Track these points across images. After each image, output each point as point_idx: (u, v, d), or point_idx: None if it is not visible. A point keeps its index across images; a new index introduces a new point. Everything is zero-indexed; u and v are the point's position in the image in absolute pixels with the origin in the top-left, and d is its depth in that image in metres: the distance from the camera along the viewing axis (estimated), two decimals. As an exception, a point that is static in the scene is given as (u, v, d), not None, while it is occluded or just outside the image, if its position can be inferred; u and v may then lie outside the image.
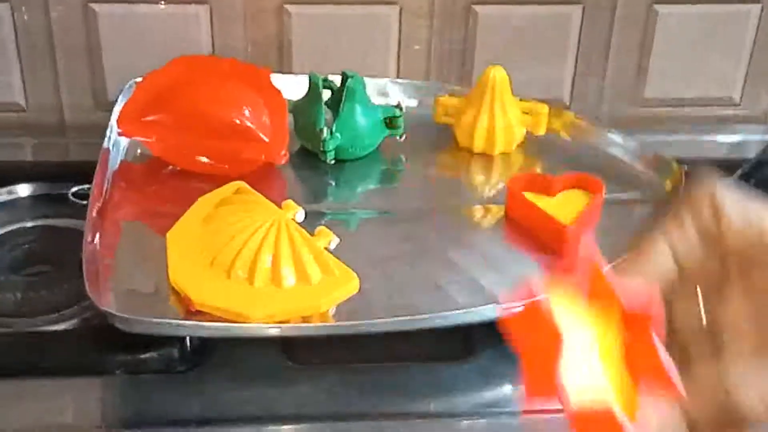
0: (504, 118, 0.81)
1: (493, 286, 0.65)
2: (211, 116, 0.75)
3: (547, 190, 0.73)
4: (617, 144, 0.83)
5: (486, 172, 0.82)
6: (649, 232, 0.41)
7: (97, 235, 0.68)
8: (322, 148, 0.78)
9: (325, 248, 0.65)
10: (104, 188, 0.73)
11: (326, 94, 0.79)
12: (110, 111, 0.79)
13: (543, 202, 0.72)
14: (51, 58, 0.88)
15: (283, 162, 0.76)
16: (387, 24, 0.90)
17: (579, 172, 0.74)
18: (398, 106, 0.81)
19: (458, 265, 0.67)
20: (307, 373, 0.64)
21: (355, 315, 0.62)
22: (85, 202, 0.70)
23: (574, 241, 0.69)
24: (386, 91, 0.87)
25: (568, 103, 0.95)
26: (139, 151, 0.79)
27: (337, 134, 0.78)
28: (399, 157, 0.83)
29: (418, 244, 0.71)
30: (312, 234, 0.65)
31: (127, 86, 0.80)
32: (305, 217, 0.66)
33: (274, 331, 0.61)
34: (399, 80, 0.88)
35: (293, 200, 0.67)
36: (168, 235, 0.66)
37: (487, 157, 0.82)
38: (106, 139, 0.76)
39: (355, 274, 0.63)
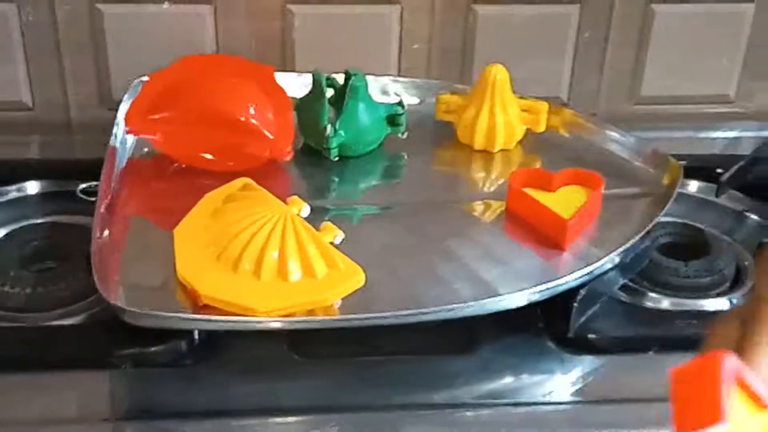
0: (504, 116, 0.82)
1: (495, 279, 0.66)
2: (216, 113, 0.76)
3: (548, 186, 0.74)
4: (615, 140, 0.84)
5: (486, 169, 0.83)
6: None
7: (106, 231, 0.69)
8: (325, 145, 0.79)
9: (331, 243, 0.66)
10: (112, 185, 0.74)
11: (329, 92, 0.81)
12: (116, 109, 0.80)
13: (543, 198, 0.73)
14: (57, 57, 0.89)
15: (287, 159, 0.77)
16: (388, 22, 0.91)
17: (578, 168, 0.76)
18: (400, 104, 0.82)
19: (461, 259, 0.69)
20: (312, 366, 0.65)
21: (360, 308, 0.63)
22: (92, 199, 0.71)
23: (574, 235, 0.71)
24: (388, 89, 0.88)
25: (566, 101, 0.96)
26: (145, 149, 0.80)
27: (341, 131, 0.79)
28: (401, 153, 0.84)
29: (421, 238, 0.72)
30: (317, 229, 0.66)
31: (133, 84, 0.81)
32: (310, 214, 0.67)
33: (280, 325, 0.63)
34: (400, 78, 0.89)
35: (298, 196, 0.68)
36: (175, 230, 0.67)
37: (487, 154, 0.83)
38: (113, 136, 0.77)
39: (360, 268, 0.64)
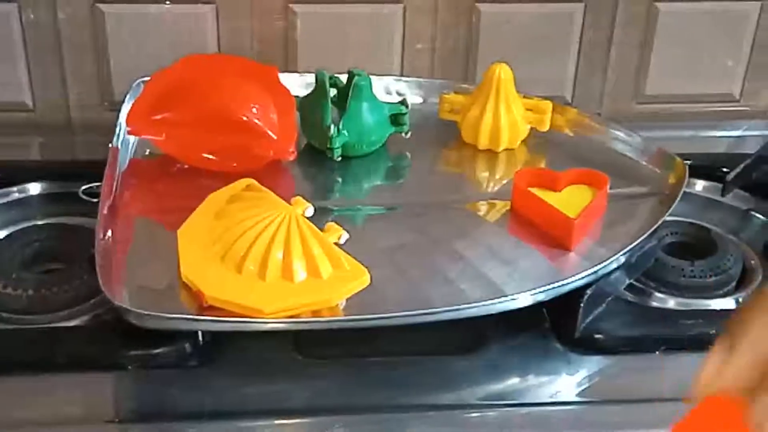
0: (509, 115, 0.82)
1: (501, 279, 0.66)
2: (219, 114, 0.76)
3: (553, 185, 0.74)
4: (620, 140, 0.83)
5: (491, 168, 0.82)
6: None
7: (109, 232, 0.68)
8: (329, 145, 0.79)
9: (335, 243, 0.65)
10: (114, 186, 0.73)
11: (332, 92, 0.80)
12: (117, 110, 0.80)
13: (549, 197, 0.73)
14: (58, 58, 0.89)
15: (291, 159, 0.77)
16: (392, 22, 0.91)
17: (584, 168, 0.75)
18: (404, 103, 0.82)
19: (466, 259, 0.68)
20: (318, 367, 0.65)
21: (365, 309, 0.63)
22: (95, 200, 0.70)
23: (580, 234, 0.70)
24: (391, 88, 0.88)
25: (570, 100, 0.96)
26: (148, 149, 0.80)
27: (344, 131, 0.79)
28: (405, 153, 0.83)
29: (426, 238, 0.71)
30: (321, 230, 0.66)
31: (134, 85, 0.81)
32: (314, 214, 0.67)
33: (285, 326, 0.62)
34: (404, 78, 0.89)
35: (301, 197, 0.68)
36: (179, 231, 0.66)
37: (491, 154, 0.83)
38: (115, 137, 0.77)
39: (365, 269, 0.64)
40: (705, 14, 0.94)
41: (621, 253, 0.68)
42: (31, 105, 0.91)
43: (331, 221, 0.68)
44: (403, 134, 0.82)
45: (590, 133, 0.85)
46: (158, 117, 0.76)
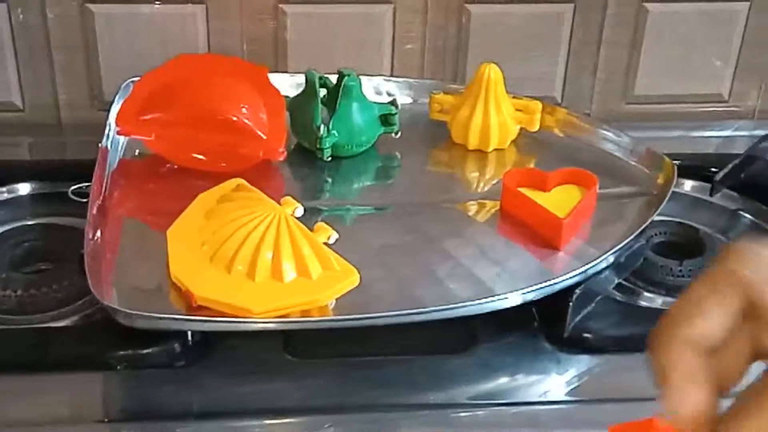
0: (498, 115, 0.82)
1: (491, 279, 0.66)
2: (209, 114, 0.76)
3: (542, 186, 0.74)
4: (610, 140, 0.84)
5: (481, 168, 0.83)
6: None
7: (98, 232, 0.68)
8: (318, 146, 0.79)
9: (325, 243, 0.65)
10: (104, 186, 0.73)
11: (322, 92, 0.80)
12: (107, 110, 0.80)
13: (538, 197, 0.73)
14: (48, 58, 0.89)
15: (280, 159, 0.77)
16: (381, 22, 0.91)
17: (573, 168, 0.75)
18: (393, 103, 0.82)
19: (456, 259, 0.68)
20: (308, 367, 0.65)
21: (355, 309, 0.63)
22: (84, 200, 0.70)
23: (569, 234, 0.70)
24: (381, 88, 0.88)
25: (560, 100, 0.96)
26: (137, 150, 0.80)
27: (334, 131, 0.79)
28: (395, 153, 0.84)
29: (416, 238, 0.71)
30: (311, 230, 0.66)
31: (124, 85, 0.81)
32: (303, 214, 0.67)
33: (275, 326, 0.62)
34: (394, 78, 0.89)
35: (291, 197, 0.68)
36: (169, 231, 0.66)
37: (481, 154, 0.83)
38: (105, 137, 0.77)
39: (355, 269, 0.64)
40: (694, 14, 0.94)
41: (610, 252, 0.68)
42: (21, 105, 0.91)
43: (321, 221, 0.68)
44: (393, 134, 0.82)
45: (580, 133, 0.85)
46: (148, 117, 0.76)
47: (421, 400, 0.63)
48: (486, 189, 0.80)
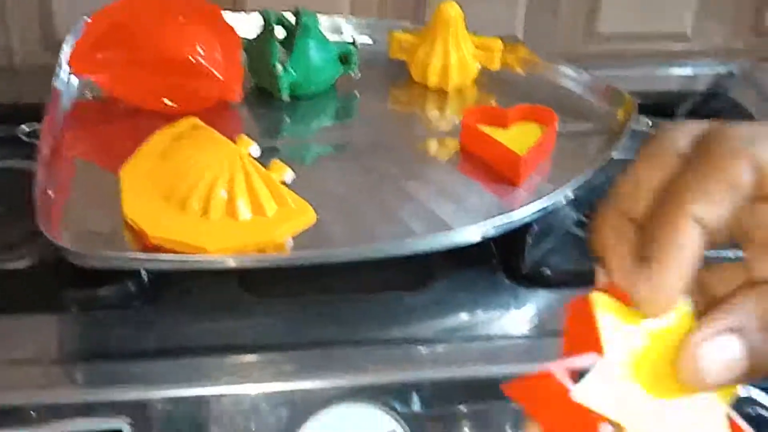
0: (458, 54, 0.81)
1: (449, 215, 0.66)
2: (163, 53, 0.74)
3: (501, 123, 0.74)
4: (570, 77, 0.83)
5: (441, 107, 0.82)
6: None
7: (49, 173, 0.67)
8: (276, 85, 0.77)
9: (282, 182, 0.65)
10: (56, 127, 0.72)
11: (279, 32, 0.79)
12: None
13: (497, 134, 0.72)
14: (-1, 0, 0.87)
15: (237, 99, 0.76)
16: (340, -39, 0.89)
17: (532, 104, 0.75)
18: (353, 43, 0.81)
19: (415, 196, 0.68)
20: (264, 305, 0.64)
21: (311, 246, 0.62)
22: (36, 140, 0.69)
23: (528, 171, 0.70)
24: (340, 27, 0.86)
25: (521, 39, 0.95)
26: (92, 92, 0.78)
27: (291, 71, 0.77)
28: (354, 93, 0.83)
29: (375, 177, 0.71)
30: (267, 168, 0.65)
31: (76, 25, 0.79)
32: (261, 154, 0.66)
33: (230, 263, 0.61)
34: (352, 17, 0.87)
35: (247, 136, 0.67)
36: (122, 170, 0.65)
37: (441, 93, 0.82)
38: (56, 78, 0.75)
39: (310, 206, 0.63)
40: (656, -48, 0.94)
41: (567, 187, 0.68)
42: (-28, 49, 0.89)
43: (278, 160, 0.67)
44: (352, 74, 0.81)
45: (540, 71, 0.85)
46: (100, 56, 0.75)
47: (380, 336, 0.63)
48: (446, 127, 0.80)
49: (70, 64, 0.75)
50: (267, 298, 0.65)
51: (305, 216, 0.63)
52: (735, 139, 0.33)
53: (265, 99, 0.79)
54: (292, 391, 0.58)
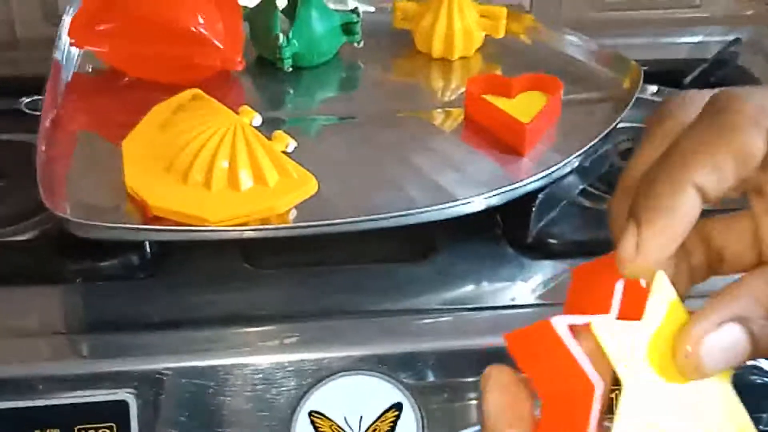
0: (463, 22, 0.80)
1: (454, 185, 0.65)
2: (164, 23, 0.73)
3: (506, 92, 0.73)
4: (576, 45, 0.82)
5: (445, 77, 0.81)
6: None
7: (51, 145, 0.67)
8: (278, 55, 0.77)
9: (284, 152, 0.64)
10: (57, 99, 0.72)
11: (281, 1, 0.78)
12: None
13: (502, 104, 0.71)
14: (-1, -29, 0.86)
15: (239, 68, 0.75)
16: (342, -71, 0.88)
17: (537, 73, 0.74)
18: (355, 12, 0.80)
19: (419, 167, 0.67)
20: (267, 276, 0.64)
21: (314, 217, 0.61)
22: (38, 113, 0.69)
23: (533, 140, 0.69)
24: (343, -3, 0.86)
25: (528, 8, 0.94)
26: (93, 63, 0.78)
27: (294, 41, 0.77)
28: (357, 63, 0.82)
29: (378, 147, 0.70)
30: (269, 138, 0.64)
31: (77, -5, 0.79)
32: (263, 125, 0.65)
33: (232, 234, 0.61)
34: (356, -14, 0.87)
35: (248, 106, 0.66)
36: (124, 142, 0.65)
37: (446, 62, 0.82)
38: (57, 50, 0.75)
39: (312, 176, 0.63)
40: None
41: (573, 156, 0.67)
42: (-27, 21, 0.88)
43: (280, 130, 0.67)
44: (356, 44, 0.80)
45: (546, 39, 0.84)
46: (101, 28, 0.74)
47: (383, 306, 0.62)
48: (451, 97, 0.79)
49: (70, 35, 0.75)
50: (270, 270, 0.65)
51: (307, 186, 0.63)
52: (748, 108, 0.31)
53: (268, 69, 0.79)
54: (296, 362, 0.58)
